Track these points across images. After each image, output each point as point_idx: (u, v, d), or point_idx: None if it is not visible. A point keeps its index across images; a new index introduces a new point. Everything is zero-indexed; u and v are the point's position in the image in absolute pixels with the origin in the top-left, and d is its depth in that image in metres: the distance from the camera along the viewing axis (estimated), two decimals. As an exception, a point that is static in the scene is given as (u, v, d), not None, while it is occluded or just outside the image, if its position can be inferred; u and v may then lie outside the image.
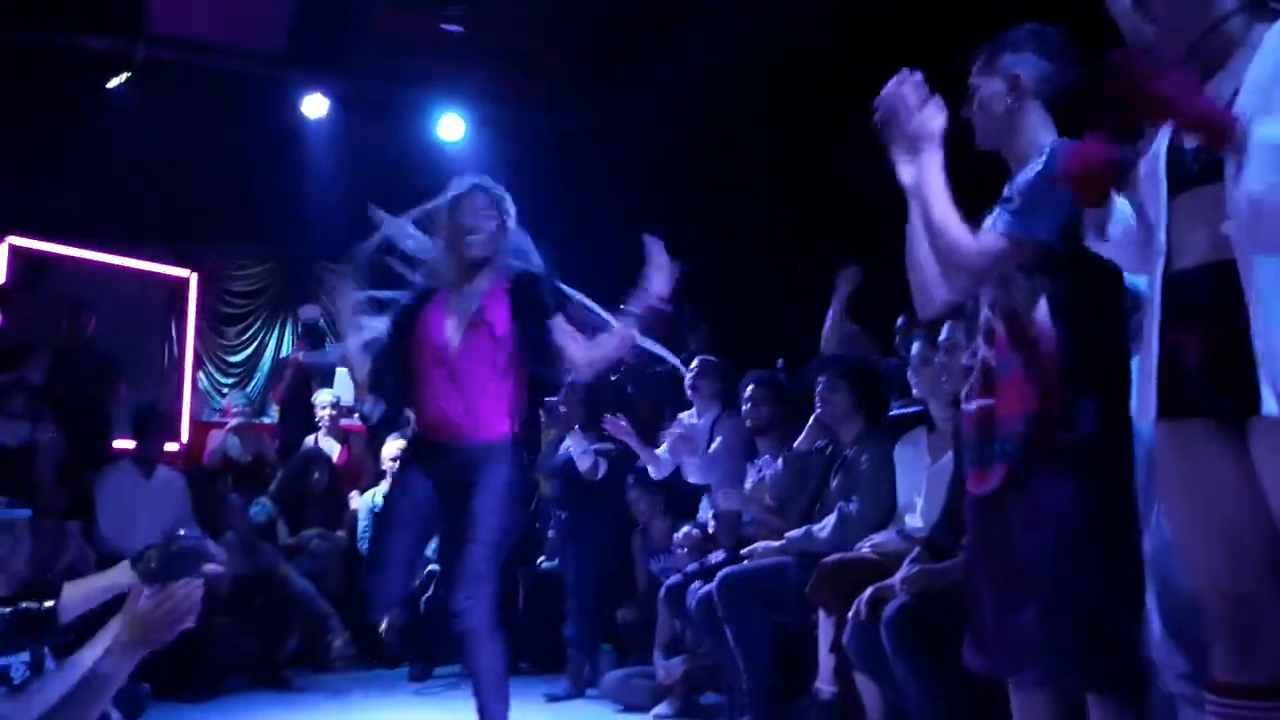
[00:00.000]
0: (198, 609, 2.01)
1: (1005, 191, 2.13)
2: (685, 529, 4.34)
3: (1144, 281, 1.87)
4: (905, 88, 2.08)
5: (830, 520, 3.40)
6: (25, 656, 3.07)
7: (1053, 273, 2.08)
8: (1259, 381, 1.54)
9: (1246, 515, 1.65)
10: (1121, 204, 1.80)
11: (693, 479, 4.62)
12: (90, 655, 1.95)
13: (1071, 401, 2.04)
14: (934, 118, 2.08)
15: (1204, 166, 1.65)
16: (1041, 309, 2.12)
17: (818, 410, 3.76)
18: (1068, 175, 1.77)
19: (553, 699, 4.63)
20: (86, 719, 1.68)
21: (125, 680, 2.52)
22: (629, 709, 4.41)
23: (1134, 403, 1.80)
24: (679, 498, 4.80)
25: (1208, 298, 1.65)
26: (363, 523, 6.08)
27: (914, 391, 3.63)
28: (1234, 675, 1.69)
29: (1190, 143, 1.68)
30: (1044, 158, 2.06)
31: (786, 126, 6.58)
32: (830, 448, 3.77)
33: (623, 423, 4.61)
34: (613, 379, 5.85)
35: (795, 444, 3.95)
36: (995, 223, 2.08)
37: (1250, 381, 1.56)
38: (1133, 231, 1.81)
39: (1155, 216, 1.75)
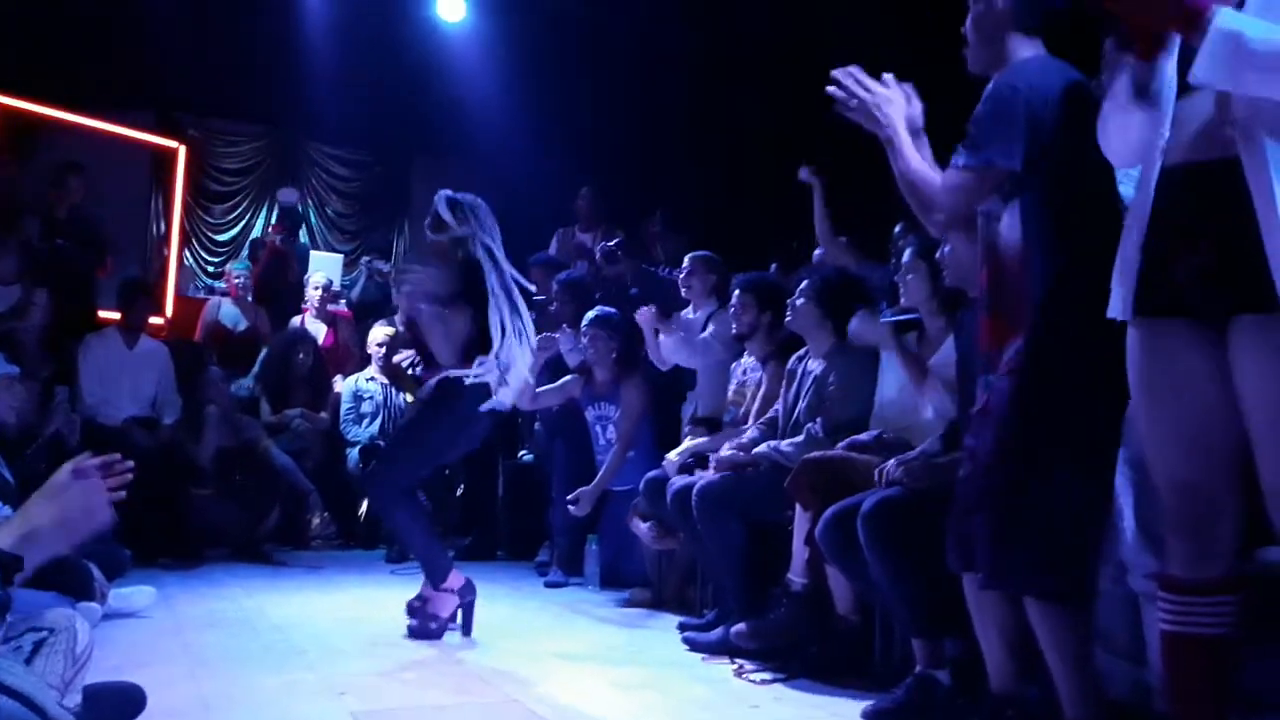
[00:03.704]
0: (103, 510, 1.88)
1: (968, 124, 2.14)
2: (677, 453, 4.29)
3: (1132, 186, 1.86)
4: (846, 79, 2.18)
5: (799, 440, 3.43)
6: None
7: (1025, 194, 2.12)
8: (1256, 279, 1.53)
9: (1215, 412, 1.69)
10: (1169, 67, 1.73)
11: (681, 362, 4.67)
12: None
13: (1047, 315, 2.07)
14: (877, 95, 2.17)
15: None
16: (1011, 234, 2.14)
17: (786, 320, 3.74)
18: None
19: (551, 585, 4.73)
20: None
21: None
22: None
23: (1113, 300, 1.79)
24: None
25: (1201, 196, 1.65)
26: (345, 406, 6.11)
27: (902, 300, 3.63)
28: (1189, 570, 1.74)
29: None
30: (996, 82, 2.12)
31: (793, 21, 6.44)
32: (806, 357, 3.75)
33: (653, 309, 4.69)
34: (610, 273, 5.85)
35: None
36: (955, 159, 2.13)
37: (1241, 279, 1.56)
38: (1164, 101, 1.75)
39: (1164, 111, 1.73)
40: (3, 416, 3.51)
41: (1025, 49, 2.18)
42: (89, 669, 2.24)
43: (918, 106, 2.27)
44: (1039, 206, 2.11)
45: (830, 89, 2.18)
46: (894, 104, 2.18)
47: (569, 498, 4.62)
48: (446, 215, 3.74)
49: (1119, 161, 1.96)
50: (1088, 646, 2.09)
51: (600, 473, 4.67)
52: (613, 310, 4.89)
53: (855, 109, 2.17)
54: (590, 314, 4.86)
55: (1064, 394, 2.05)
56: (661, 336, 4.64)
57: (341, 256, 8.99)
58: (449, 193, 3.85)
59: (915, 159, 2.16)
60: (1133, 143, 1.80)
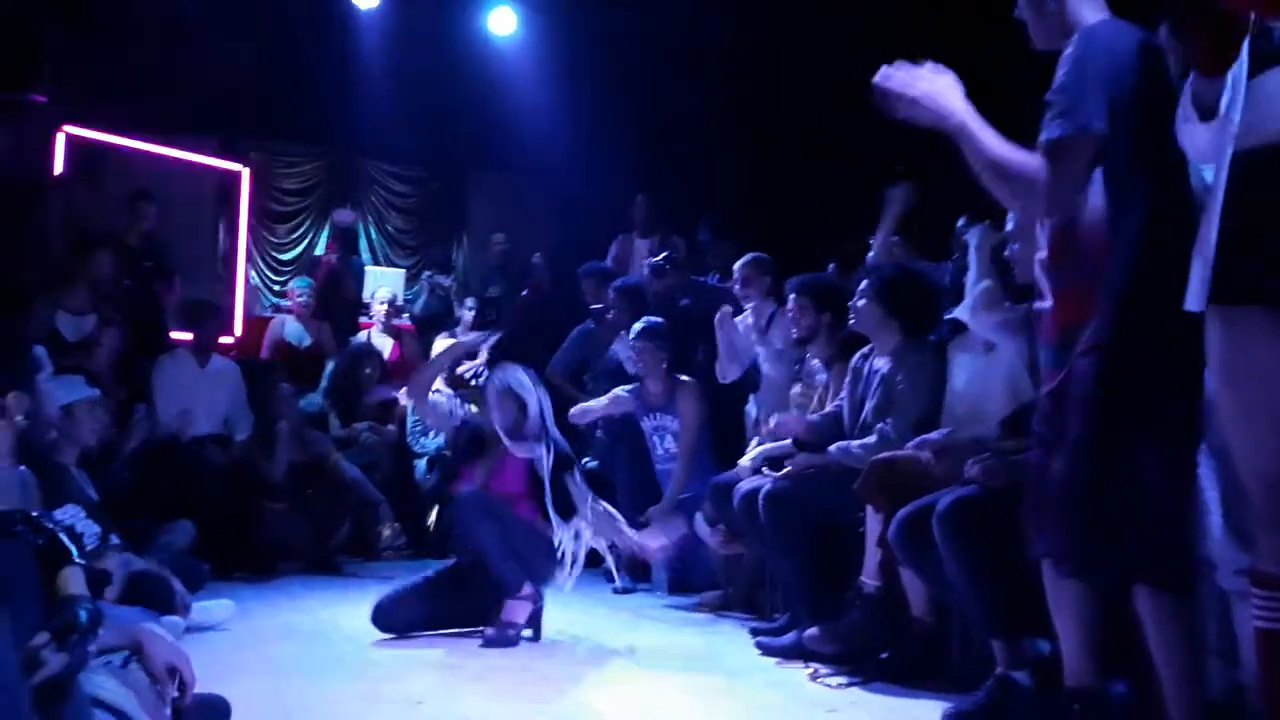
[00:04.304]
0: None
1: (1047, 97, 2.06)
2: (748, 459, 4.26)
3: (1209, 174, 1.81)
4: (890, 81, 2.03)
5: (871, 440, 3.38)
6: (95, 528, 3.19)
7: (1109, 161, 2.04)
8: None
9: None
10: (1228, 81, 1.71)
11: (768, 372, 4.62)
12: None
13: (1129, 298, 2.01)
14: (933, 84, 2.03)
15: None
16: (1094, 208, 2.08)
17: (850, 321, 3.69)
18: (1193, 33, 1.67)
19: (619, 591, 4.73)
20: None
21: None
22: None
23: (1190, 291, 1.74)
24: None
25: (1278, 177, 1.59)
26: (412, 418, 6.18)
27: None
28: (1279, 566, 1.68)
29: (1275, 22, 1.60)
30: (1071, 49, 2.01)
31: (845, 21, 6.40)
32: (872, 355, 3.70)
33: (729, 310, 4.71)
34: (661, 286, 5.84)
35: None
36: (1048, 133, 2.02)
37: None
38: (1225, 111, 1.73)
39: (1233, 99, 1.68)
40: (87, 440, 3.61)
41: (1088, 11, 2.09)
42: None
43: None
44: (1123, 173, 2.03)
45: (878, 93, 2.05)
46: (953, 89, 2.04)
47: (641, 521, 4.63)
48: None
49: (1194, 158, 1.91)
50: (1195, 639, 2.03)
51: (669, 489, 4.66)
52: (659, 320, 4.88)
53: (912, 107, 2.03)
54: (637, 326, 4.86)
55: (1150, 373, 1.98)
56: (760, 349, 4.61)
57: (403, 271, 9.10)
58: None
59: (996, 141, 2.02)
60: (1201, 148, 1.77)
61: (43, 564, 1.58)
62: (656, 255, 5.93)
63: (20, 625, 1.45)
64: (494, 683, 3.07)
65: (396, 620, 3.69)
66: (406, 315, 7.70)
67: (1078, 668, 2.21)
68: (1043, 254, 2.22)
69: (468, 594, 3.72)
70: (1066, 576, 2.14)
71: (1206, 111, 1.72)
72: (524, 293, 7.34)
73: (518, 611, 3.62)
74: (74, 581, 1.58)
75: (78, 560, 1.61)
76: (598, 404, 4.93)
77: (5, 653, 1.32)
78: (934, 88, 2.04)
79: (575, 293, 6.40)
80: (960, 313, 3.30)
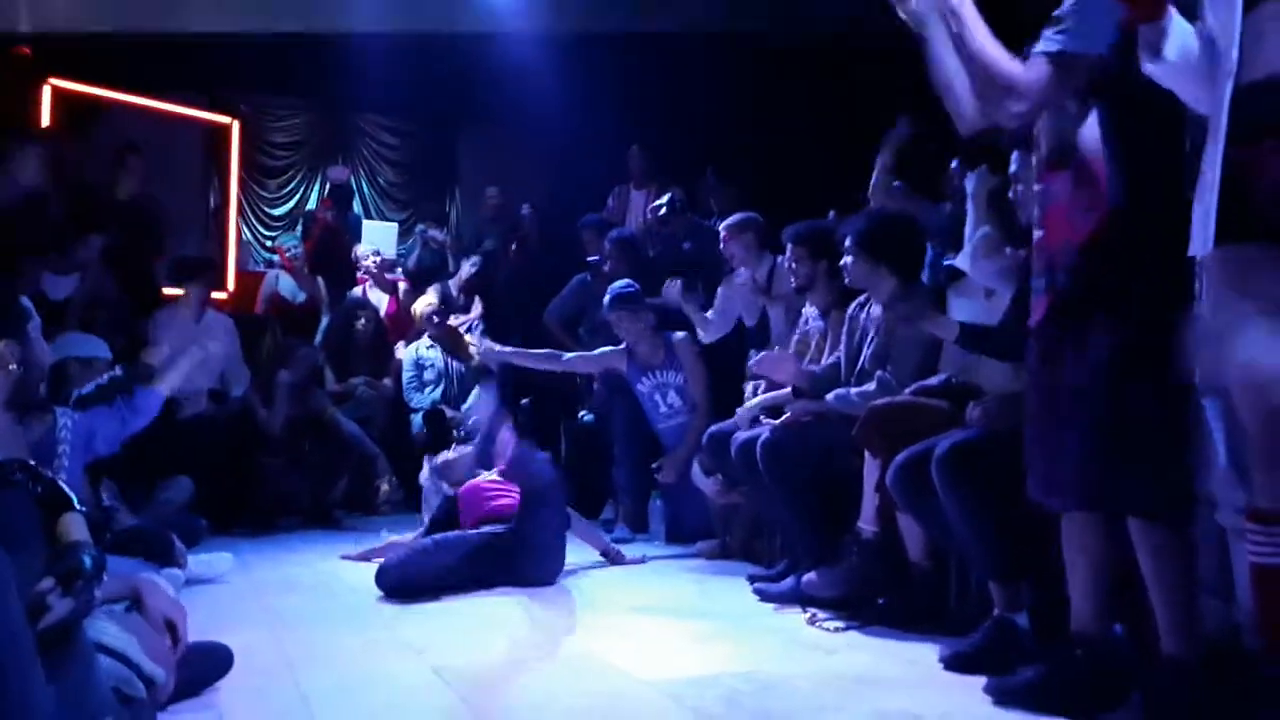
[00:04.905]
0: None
1: (1055, 13, 2.04)
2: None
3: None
4: None
5: (870, 387, 3.37)
6: None
7: (1107, 94, 2.03)
8: None
9: None
10: (1180, 24, 1.71)
11: (780, 329, 4.59)
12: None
13: (1123, 228, 2.01)
14: None
15: None
16: (1091, 131, 2.07)
17: (845, 278, 3.66)
18: None
19: (618, 542, 4.75)
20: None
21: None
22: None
23: (1193, 238, 1.73)
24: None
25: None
26: (408, 374, 6.19)
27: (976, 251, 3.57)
28: (1276, 502, 1.69)
29: None
30: None
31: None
32: (868, 304, 3.68)
33: (679, 284, 4.76)
34: (664, 232, 5.84)
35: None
36: (1047, 44, 2.01)
37: None
38: (1191, 54, 1.72)
39: (1226, 34, 1.66)
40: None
41: None
42: (178, 630, 2.30)
43: None
44: (1119, 110, 2.03)
45: None
46: None
47: (654, 465, 4.65)
48: None
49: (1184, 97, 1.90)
50: (1191, 576, 2.04)
51: (683, 440, 4.66)
52: (628, 284, 4.85)
53: None
54: (606, 299, 4.84)
55: (1142, 310, 2.00)
56: (771, 307, 4.61)
57: (396, 225, 9.06)
58: None
59: (987, 36, 2.01)
60: (1180, 88, 1.76)
61: (44, 511, 1.57)
62: (653, 206, 5.92)
63: (24, 572, 1.45)
64: (495, 631, 3.10)
65: (402, 583, 3.55)
66: (400, 269, 7.67)
67: (1084, 612, 2.23)
68: (1037, 185, 2.22)
69: (479, 561, 3.66)
70: (1063, 510, 2.16)
71: (1152, 52, 1.71)
72: (512, 246, 7.31)
73: None
74: (76, 528, 1.57)
75: (79, 507, 1.60)
76: (585, 356, 4.96)
77: (10, 599, 1.31)
78: None
79: (568, 244, 6.37)
80: (960, 261, 3.29)
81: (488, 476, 4.05)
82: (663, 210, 5.75)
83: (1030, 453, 2.19)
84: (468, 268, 6.96)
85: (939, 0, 2.02)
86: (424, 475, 4.62)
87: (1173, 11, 1.70)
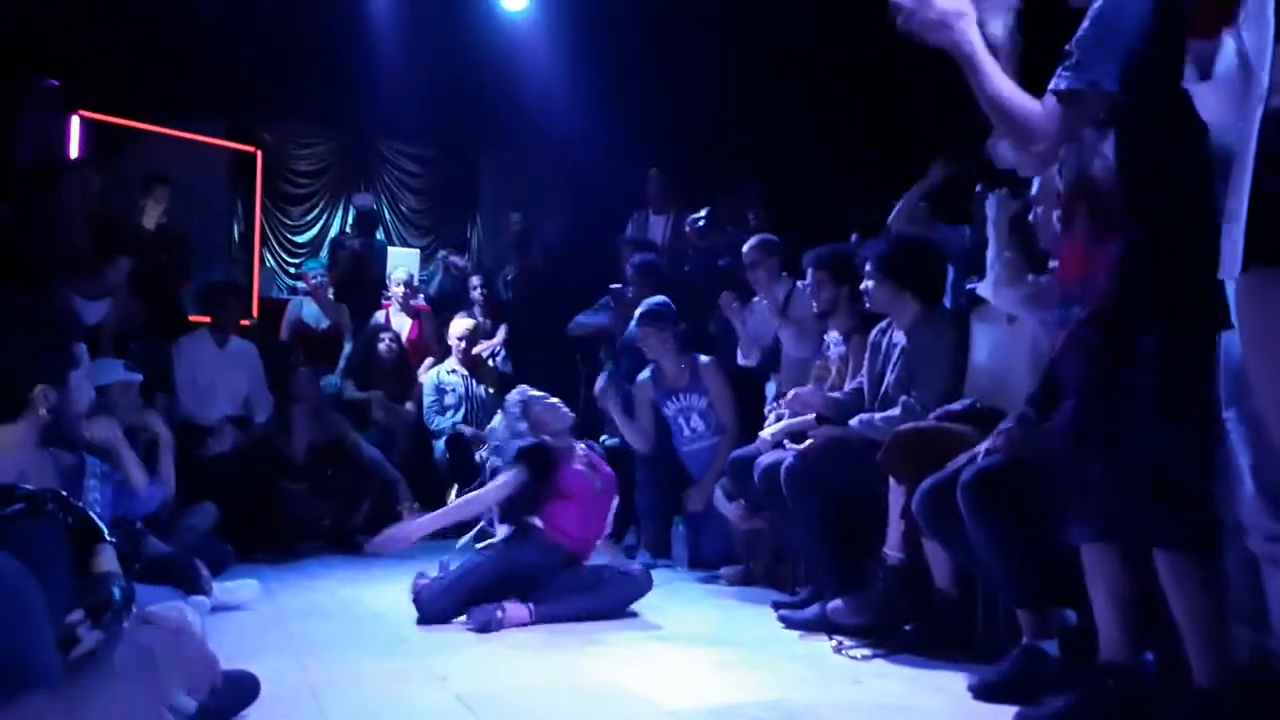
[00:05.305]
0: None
1: (1067, 47, 2.05)
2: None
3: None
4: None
5: (894, 412, 3.36)
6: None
7: (1122, 123, 2.03)
8: None
9: None
10: (1229, 44, 1.71)
11: (792, 352, 4.60)
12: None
13: (1141, 257, 2.00)
14: (957, 11, 1.98)
15: None
16: (1105, 164, 2.06)
17: (865, 304, 3.65)
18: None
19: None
20: None
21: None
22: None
23: (1223, 259, 1.72)
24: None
25: None
26: (429, 398, 6.21)
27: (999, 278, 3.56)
28: None
29: None
30: (1098, 3, 2.01)
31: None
32: (890, 329, 3.67)
33: (735, 303, 4.75)
34: (702, 245, 5.86)
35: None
36: (1058, 82, 2.03)
37: None
38: (1233, 73, 1.71)
39: (1258, 57, 1.65)
40: (121, 422, 3.61)
41: None
42: (205, 659, 2.30)
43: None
44: (1137, 136, 2.03)
45: (894, 8, 2.00)
46: (966, 16, 2.00)
47: (686, 495, 4.65)
48: None
49: (1208, 119, 1.89)
50: (1220, 604, 2.01)
51: (710, 464, 4.65)
52: (662, 302, 4.84)
53: (920, 23, 1.97)
54: (636, 314, 4.83)
55: (1167, 339, 1.98)
56: (782, 329, 4.59)
57: (418, 251, 9.13)
58: None
59: (1001, 80, 2.01)
60: (1212, 110, 1.75)
61: (74, 542, 1.58)
62: (670, 231, 5.93)
63: (53, 603, 1.46)
64: (519, 656, 3.09)
65: (438, 612, 3.54)
66: (422, 295, 7.72)
67: (1113, 641, 2.21)
68: (1058, 212, 2.23)
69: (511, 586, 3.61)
70: (1085, 541, 2.14)
71: (1204, 71, 1.71)
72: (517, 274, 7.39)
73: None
74: (106, 559, 1.58)
75: (109, 539, 1.61)
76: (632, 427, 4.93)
77: (42, 629, 1.32)
78: (944, 10, 1.99)
79: (589, 265, 6.41)
80: (983, 289, 3.28)
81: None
82: (701, 223, 5.77)
83: (1058, 483, 2.17)
84: (473, 293, 6.99)
85: (953, 48, 2.01)
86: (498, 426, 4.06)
87: (1228, 31, 1.70)
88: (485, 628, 3.37)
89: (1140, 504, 1.99)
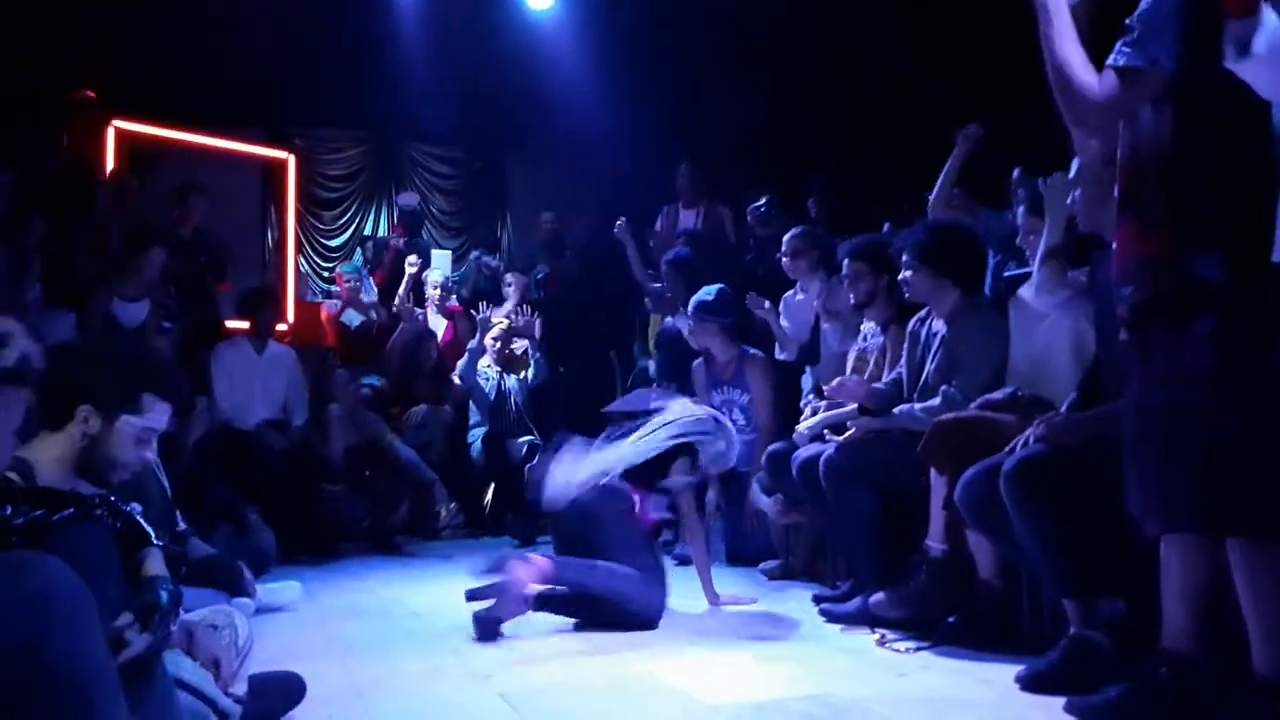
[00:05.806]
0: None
1: (1127, 21, 2.00)
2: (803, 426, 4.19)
3: None
4: None
5: (935, 402, 3.32)
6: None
7: (1180, 101, 1.97)
8: None
9: None
10: (1271, 16, 1.66)
11: (835, 347, 4.56)
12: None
13: (1200, 240, 1.95)
14: None
15: None
16: (1163, 142, 2.01)
17: (905, 294, 3.60)
18: None
19: (679, 562, 4.71)
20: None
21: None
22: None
23: (1277, 240, 1.68)
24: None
25: None
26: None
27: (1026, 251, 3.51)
28: None
29: None
30: None
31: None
32: (929, 318, 3.63)
33: (766, 304, 4.75)
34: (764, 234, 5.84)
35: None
36: (1117, 58, 1.98)
37: None
38: (1279, 45, 1.67)
39: None
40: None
41: None
42: (251, 660, 2.33)
43: None
44: (1194, 112, 1.97)
45: None
46: None
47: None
48: None
49: (1264, 94, 1.85)
50: None
51: (753, 460, 4.62)
52: (719, 289, 4.79)
53: None
54: (691, 304, 4.80)
55: (1231, 324, 1.93)
56: (825, 324, 4.56)
57: (450, 252, 9.16)
58: None
59: (1074, 47, 1.98)
60: (1266, 84, 1.70)
61: (122, 546, 1.60)
62: (752, 207, 5.90)
63: (103, 606, 1.47)
64: (559, 654, 3.09)
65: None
66: (455, 297, 7.75)
67: (1176, 630, 2.16)
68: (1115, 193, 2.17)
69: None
70: (1155, 532, 2.09)
71: (1241, 49, 1.67)
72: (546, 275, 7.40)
73: None
74: (154, 563, 1.60)
75: (156, 542, 1.63)
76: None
77: (95, 633, 1.33)
78: None
79: (618, 265, 6.41)
80: (1024, 293, 3.24)
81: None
82: (761, 210, 5.74)
83: (1126, 472, 2.12)
84: (512, 290, 7.00)
85: None
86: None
87: (1265, 4, 1.66)
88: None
89: (1213, 493, 1.93)
